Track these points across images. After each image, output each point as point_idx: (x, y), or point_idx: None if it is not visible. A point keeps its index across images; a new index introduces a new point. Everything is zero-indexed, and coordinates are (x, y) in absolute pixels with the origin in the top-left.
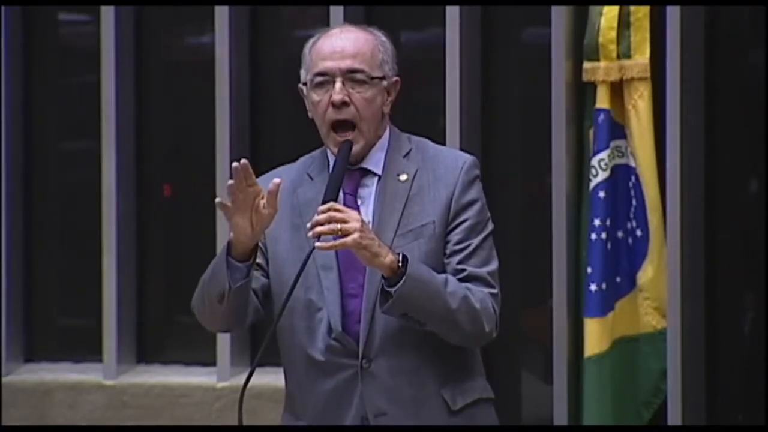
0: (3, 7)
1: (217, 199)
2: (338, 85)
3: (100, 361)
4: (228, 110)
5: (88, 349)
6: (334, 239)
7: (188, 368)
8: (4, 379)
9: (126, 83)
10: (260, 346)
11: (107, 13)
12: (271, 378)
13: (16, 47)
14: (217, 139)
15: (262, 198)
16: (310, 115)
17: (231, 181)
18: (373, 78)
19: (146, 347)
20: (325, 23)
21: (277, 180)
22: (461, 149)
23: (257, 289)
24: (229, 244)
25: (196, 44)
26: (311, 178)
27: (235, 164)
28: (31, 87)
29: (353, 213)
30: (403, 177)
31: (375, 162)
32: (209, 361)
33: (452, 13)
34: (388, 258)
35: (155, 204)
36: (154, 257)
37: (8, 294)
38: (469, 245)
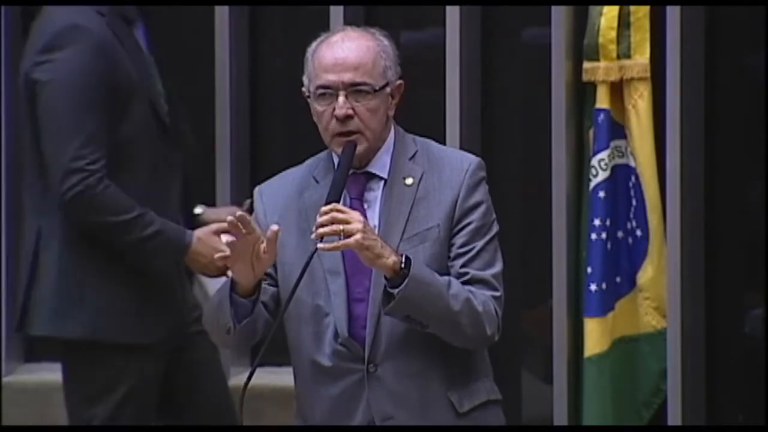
0: (3, 7)
1: (216, 255)
2: (341, 99)
3: None
4: (228, 110)
5: None
6: (340, 239)
7: None
8: (4, 379)
9: None
10: (260, 346)
11: None
12: (271, 378)
13: (16, 47)
14: (217, 139)
15: (262, 243)
16: (315, 119)
17: (231, 238)
18: (376, 90)
19: None
20: (325, 23)
21: (275, 227)
22: (461, 149)
23: (267, 301)
24: (233, 281)
25: (198, 44)
26: (317, 182)
27: (230, 218)
28: None
29: (356, 214)
30: (409, 180)
31: (381, 165)
32: None
33: (452, 13)
34: (391, 259)
35: None
36: None
37: (8, 294)
38: (473, 248)
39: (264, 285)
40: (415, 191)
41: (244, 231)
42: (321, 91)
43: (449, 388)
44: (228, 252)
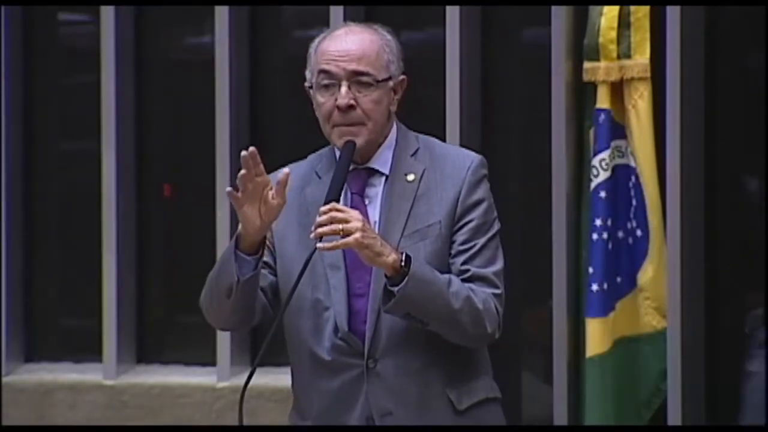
0: (3, 7)
1: (228, 189)
2: (344, 89)
3: (100, 361)
4: (228, 110)
5: (88, 349)
6: (342, 238)
7: (188, 368)
8: (4, 379)
9: (126, 83)
10: (260, 346)
11: (107, 13)
12: (271, 378)
13: (16, 47)
14: (217, 139)
15: (271, 189)
16: (316, 111)
17: (242, 171)
18: (379, 81)
19: (146, 347)
20: (325, 23)
21: (285, 170)
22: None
23: (265, 287)
24: (237, 237)
25: (196, 44)
26: (319, 177)
27: (243, 153)
28: (31, 87)
29: (354, 212)
30: (411, 177)
31: (382, 161)
32: (209, 361)
33: (452, 13)
34: (391, 257)
35: (155, 204)
36: (154, 257)
37: (8, 294)
38: (474, 245)
39: (263, 272)
40: (416, 188)
41: (254, 170)
42: (324, 81)
43: (448, 385)
44: (238, 193)
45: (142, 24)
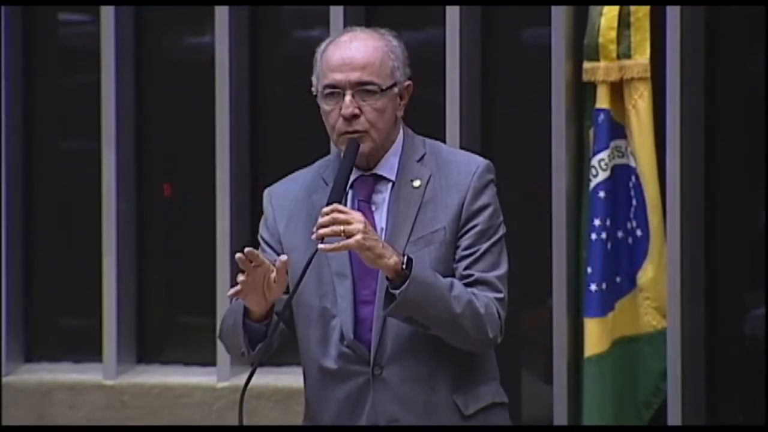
0: (3, 7)
1: (229, 292)
2: (348, 98)
3: (100, 361)
4: (228, 110)
5: (88, 349)
6: (344, 239)
7: (188, 368)
8: (4, 379)
9: (126, 83)
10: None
11: (107, 13)
12: (271, 378)
13: (16, 47)
14: (217, 139)
15: (272, 272)
16: (323, 118)
17: (241, 277)
18: (383, 89)
19: (146, 347)
20: (325, 23)
21: (283, 257)
22: (462, 149)
23: (279, 309)
24: (245, 309)
25: (196, 44)
26: (326, 184)
27: (238, 255)
28: (31, 87)
29: (357, 214)
30: (417, 183)
31: (389, 168)
32: (209, 361)
33: (452, 13)
34: (392, 259)
35: (155, 204)
36: (154, 257)
37: (8, 294)
38: (477, 250)
39: None
40: (422, 194)
41: (253, 265)
42: (328, 90)
43: (455, 391)
44: (239, 288)
45: (142, 24)
